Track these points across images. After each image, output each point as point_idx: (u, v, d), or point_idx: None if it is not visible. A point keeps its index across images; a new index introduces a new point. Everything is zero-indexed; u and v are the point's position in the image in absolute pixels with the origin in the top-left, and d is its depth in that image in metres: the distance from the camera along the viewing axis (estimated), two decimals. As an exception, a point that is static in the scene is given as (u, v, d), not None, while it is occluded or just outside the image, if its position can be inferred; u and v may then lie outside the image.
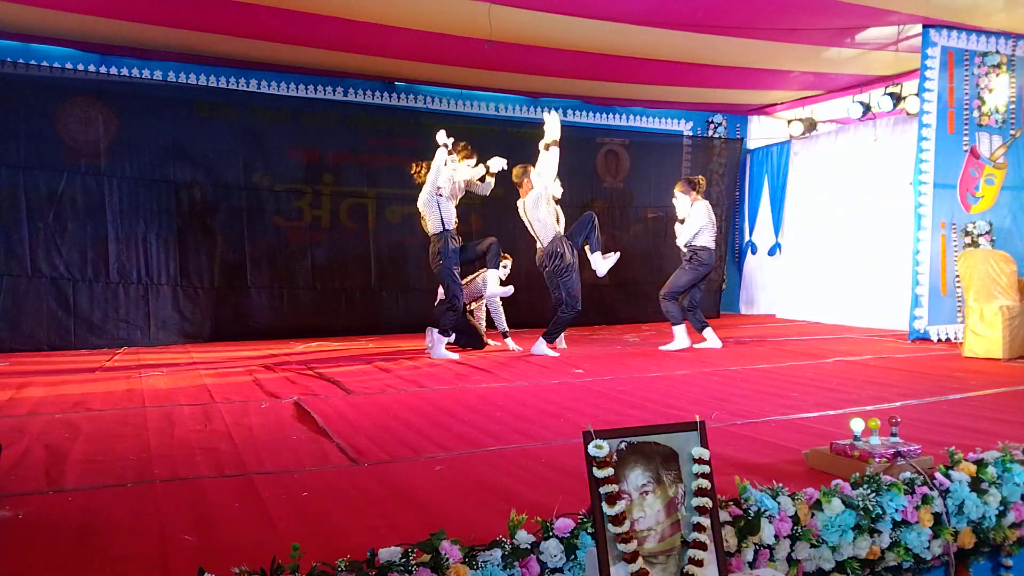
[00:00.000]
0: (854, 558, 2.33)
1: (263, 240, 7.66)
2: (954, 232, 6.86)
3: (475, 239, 8.55)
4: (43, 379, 5.07)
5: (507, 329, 6.81)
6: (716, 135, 10.06)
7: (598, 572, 1.79)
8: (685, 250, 6.70)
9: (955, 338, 6.72)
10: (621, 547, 1.78)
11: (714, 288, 10.01)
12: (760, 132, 10.39)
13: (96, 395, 4.49)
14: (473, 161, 6.31)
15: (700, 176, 7.16)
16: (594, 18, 6.29)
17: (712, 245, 6.65)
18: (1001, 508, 2.57)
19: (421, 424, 3.72)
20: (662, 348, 6.59)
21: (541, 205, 6.18)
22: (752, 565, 2.15)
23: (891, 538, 2.37)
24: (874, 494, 2.37)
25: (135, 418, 3.84)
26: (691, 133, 9.94)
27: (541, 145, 6.27)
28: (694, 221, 6.62)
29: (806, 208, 9.60)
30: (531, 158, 8.75)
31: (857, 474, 2.46)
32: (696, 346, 6.60)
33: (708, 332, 6.67)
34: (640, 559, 1.79)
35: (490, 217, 8.64)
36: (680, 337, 6.59)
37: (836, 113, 9.24)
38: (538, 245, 6.35)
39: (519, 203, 6.42)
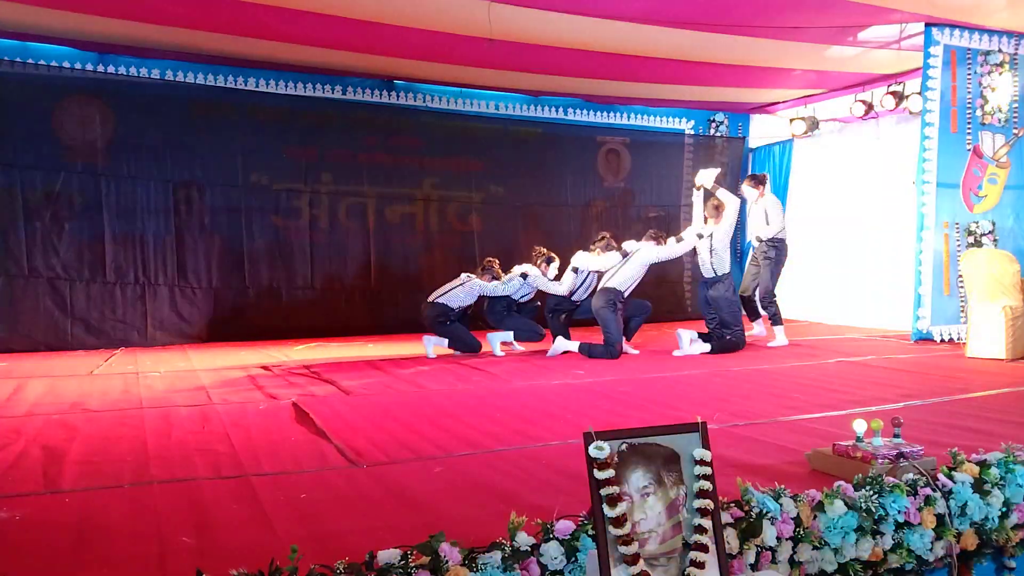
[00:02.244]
0: (856, 560, 2.32)
1: (261, 240, 7.64)
2: (957, 232, 6.84)
3: (480, 238, 8.60)
4: (40, 380, 5.06)
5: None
6: (718, 134, 10.05)
7: (599, 574, 1.77)
8: (760, 244, 6.99)
9: (958, 338, 6.69)
10: (622, 549, 1.76)
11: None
12: (762, 131, 10.36)
13: (93, 396, 4.48)
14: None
15: (764, 172, 7.30)
16: (595, 16, 6.28)
17: (785, 236, 6.93)
18: (1004, 509, 2.56)
19: (420, 425, 3.70)
20: (769, 344, 6.76)
21: (728, 239, 6.38)
22: (754, 567, 2.14)
23: (894, 540, 2.36)
24: (877, 495, 2.35)
25: (132, 419, 3.83)
26: (693, 132, 9.92)
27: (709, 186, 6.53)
28: (776, 214, 6.81)
29: (808, 207, 9.57)
30: (530, 157, 8.80)
31: (860, 475, 2.44)
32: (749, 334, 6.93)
33: (758, 323, 7.11)
34: (641, 561, 1.78)
35: (489, 217, 8.64)
36: (780, 335, 6.78)
37: (838, 112, 9.21)
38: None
39: (708, 231, 6.44)
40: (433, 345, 6.32)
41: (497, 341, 6.46)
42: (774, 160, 10.04)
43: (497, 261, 6.65)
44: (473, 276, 6.49)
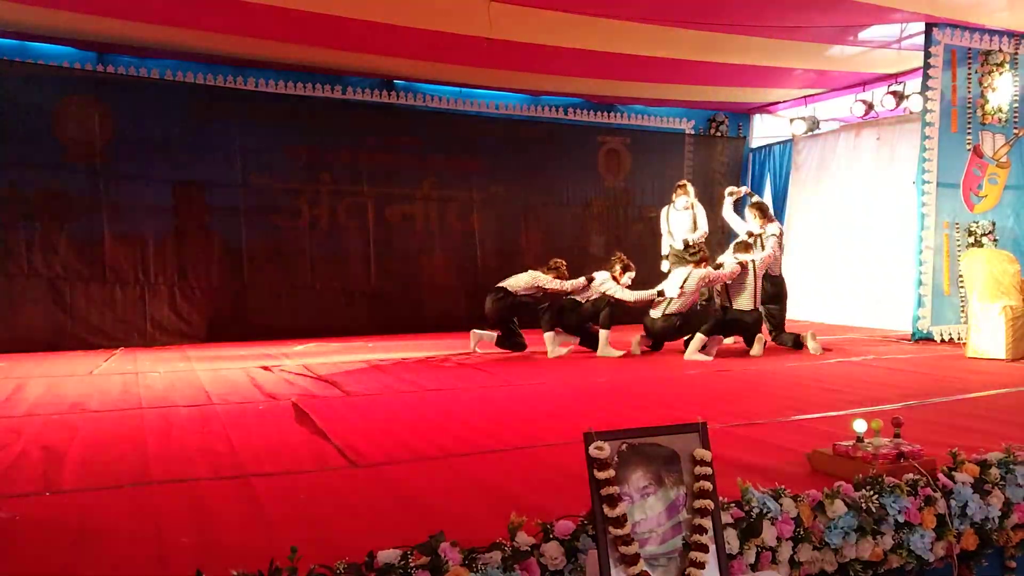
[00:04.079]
0: (857, 560, 2.31)
1: (261, 239, 7.64)
2: (957, 232, 6.83)
3: (480, 238, 8.52)
4: (40, 380, 5.06)
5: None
6: (718, 133, 10.04)
7: (599, 574, 1.77)
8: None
9: (958, 338, 6.69)
10: (622, 549, 1.76)
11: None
12: (762, 130, 10.36)
13: (93, 396, 4.47)
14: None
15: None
16: (595, 15, 6.27)
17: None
18: (1004, 510, 2.55)
19: (420, 425, 3.70)
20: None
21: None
22: (754, 567, 2.13)
23: (894, 540, 2.35)
24: (877, 496, 2.35)
25: (132, 420, 3.82)
26: (693, 131, 9.92)
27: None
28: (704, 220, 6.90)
29: (808, 207, 9.57)
30: (530, 157, 8.81)
31: (860, 475, 2.43)
32: None
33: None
34: (641, 561, 1.78)
35: (489, 217, 8.64)
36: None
37: (839, 111, 9.21)
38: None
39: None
40: (478, 340, 6.28)
41: (556, 342, 6.27)
42: (774, 160, 10.04)
43: (564, 263, 6.50)
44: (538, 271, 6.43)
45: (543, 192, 8.94)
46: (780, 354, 6.30)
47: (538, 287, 6.30)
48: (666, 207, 7.46)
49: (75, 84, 6.90)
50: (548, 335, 6.32)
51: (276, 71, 7.75)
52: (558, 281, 6.33)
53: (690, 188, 7.28)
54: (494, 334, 6.34)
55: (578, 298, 6.40)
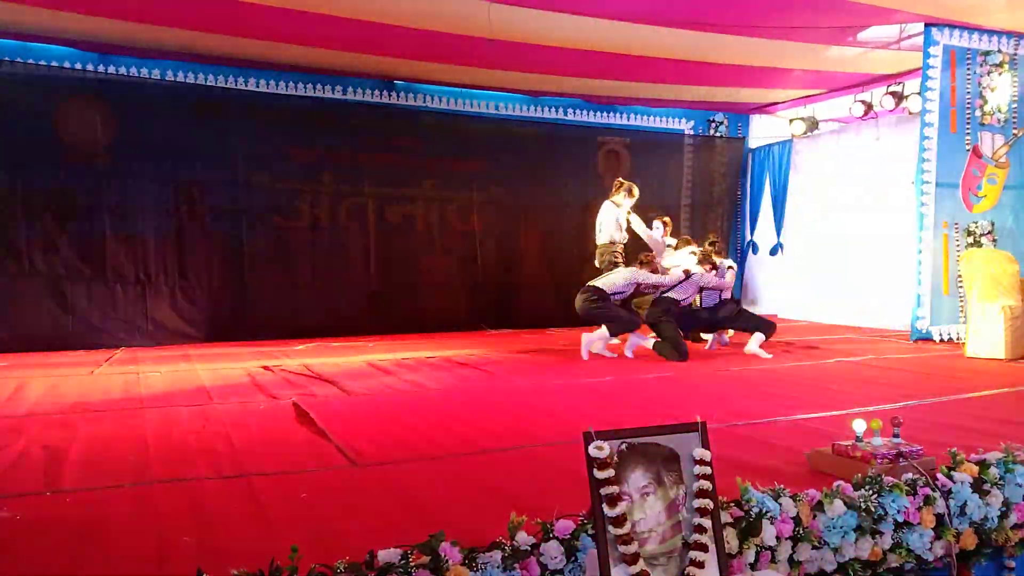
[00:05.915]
0: (856, 559, 2.32)
1: (262, 239, 7.64)
2: (956, 232, 6.84)
3: (480, 238, 8.50)
4: (40, 379, 5.06)
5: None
6: (718, 134, 10.05)
7: (599, 574, 1.78)
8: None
9: (957, 338, 6.70)
10: (622, 549, 1.77)
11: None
12: (762, 131, 10.37)
13: (94, 395, 4.48)
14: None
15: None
16: (595, 16, 6.28)
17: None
18: (1003, 509, 2.56)
19: (420, 425, 3.70)
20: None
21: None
22: (754, 567, 2.14)
23: (893, 539, 2.36)
24: (876, 495, 2.35)
25: (133, 419, 3.83)
26: (692, 132, 9.92)
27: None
28: None
29: (808, 207, 9.58)
30: (530, 157, 8.81)
31: (859, 475, 2.44)
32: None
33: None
34: (641, 561, 1.78)
35: (489, 217, 8.64)
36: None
37: (838, 112, 9.22)
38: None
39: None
40: (590, 346, 6.08)
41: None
42: (774, 160, 10.05)
43: (655, 256, 6.49)
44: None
45: (543, 192, 8.94)
46: (781, 355, 6.30)
47: (637, 283, 6.21)
48: (606, 203, 7.33)
49: (76, 85, 6.91)
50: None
51: (276, 71, 7.75)
52: (657, 276, 6.26)
53: (636, 191, 7.19)
54: (605, 333, 6.07)
55: (674, 295, 6.22)
